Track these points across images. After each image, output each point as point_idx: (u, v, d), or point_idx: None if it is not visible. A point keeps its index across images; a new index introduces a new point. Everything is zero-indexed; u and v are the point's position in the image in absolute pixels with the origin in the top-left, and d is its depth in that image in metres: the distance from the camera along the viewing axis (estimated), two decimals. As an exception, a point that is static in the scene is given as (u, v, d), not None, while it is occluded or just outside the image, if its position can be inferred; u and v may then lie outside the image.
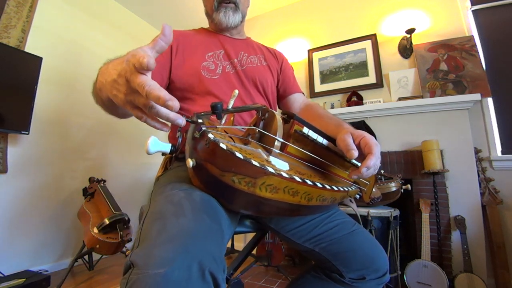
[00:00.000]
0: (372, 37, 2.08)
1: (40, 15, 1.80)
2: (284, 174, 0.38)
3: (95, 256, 1.74)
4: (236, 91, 0.57)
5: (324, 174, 0.53)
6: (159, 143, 0.44)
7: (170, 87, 0.77)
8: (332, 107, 2.09)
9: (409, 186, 1.45)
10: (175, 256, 0.33)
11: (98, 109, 0.60)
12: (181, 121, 0.36)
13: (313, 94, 2.25)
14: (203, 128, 0.41)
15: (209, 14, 0.85)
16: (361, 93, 2.02)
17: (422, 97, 1.77)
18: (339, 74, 2.18)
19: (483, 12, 1.82)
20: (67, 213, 1.87)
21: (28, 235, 1.67)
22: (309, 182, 0.40)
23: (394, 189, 1.38)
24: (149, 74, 0.34)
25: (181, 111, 0.76)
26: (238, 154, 0.36)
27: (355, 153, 0.47)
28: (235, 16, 0.81)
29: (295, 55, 2.37)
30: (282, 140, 0.47)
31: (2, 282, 1.29)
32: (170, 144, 0.46)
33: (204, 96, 0.74)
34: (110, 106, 0.53)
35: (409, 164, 1.72)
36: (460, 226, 1.49)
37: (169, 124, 0.38)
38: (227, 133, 0.49)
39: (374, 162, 0.47)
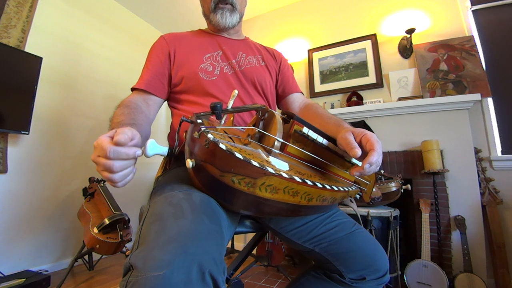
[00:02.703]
0: (372, 37, 2.08)
1: (40, 15, 1.79)
2: (284, 175, 0.38)
3: (95, 256, 1.75)
4: (236, 91, 0.57)
5: (324, 174, 0.53)
6: (157, 146, 0.44)
7: (171, 90, 0.78)
8: (332, 107, 2.09)
9: (409, 186, 1.45)
10: (174, 258, 0.33)
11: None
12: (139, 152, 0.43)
13: (313, 94, 2.25)
14: (203, 129, 0.41)
15: (206, 15, 0.85)
16: (361, 93, 2.02)
17: (422, 97, 1.77)
18: (339, 74, 2.18)
19: (483, 12, 1.82)
20: (67, 213, 1.87)
21: (28, 235, 1.67)
22: (309, 182, 0.40)
23: (394, 189, 1.38)
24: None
25: (181, 112, 0.76)
26: (237, 155, 0.36)
27: (359, 151, 0.47)
28: (233, 17, 0.81)
29: (295, 55, 2.37)
30: (282, 140, 0.46)
31: (2, 282, 1.29)
32: (167, 147, 0.46)
33: (204, 98, 0.74)
34: None
35: (409, 164, 1.72)
36: (460, 226, 1.49)
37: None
38: (226, 133, 0.49)
39: (376, 159, 0.46)
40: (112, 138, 0.40)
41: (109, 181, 0.41)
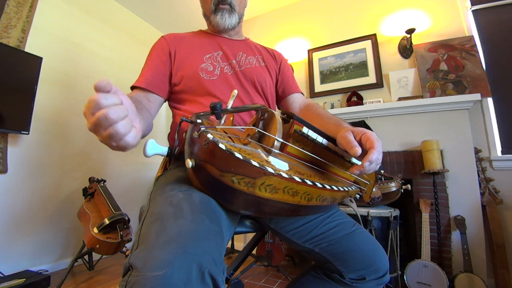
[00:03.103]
0: (372, 37, 2.08)
1: (40, 15, 1.79)
2: (284, 174, 0.38)
3: (95, 256, 1.75)
4: (236, 91, 0.57)
5: (324, 174, 0.53)
6: (156, 146, 0.44)
7: (171, 90, 0.78)
8: (332, 107, 2.09)
9: (409, 186, 1.45)
10: (174, 258, 0.33)
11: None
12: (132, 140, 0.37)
13: (313, 94, 2.25)
14: (202, 128, 0.41)
15: (207, 16, 0.85)
16: (361, 93, 2.02)
17: (422, 97, 1.77)
18: (339, 74, 2.18)
19: (483, 12, 1.82)
20: (67, 213, 1.87)
21: (28, 235, 1.67)
22: (308, 182, 0.40)
23: (394, 189, 1.38)
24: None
25: (181, 112, 0.76)
26: (237, 155, 0.36)
27: (359, 149, 0.47)
28: (232, 18, 0.82)
29: (295, 55, 2.37)
30: (281, 140, 0.46)
31: (2, 282, 1.29)
32: (167, 147, 0.46)
33: (204, 97, 0.74)
34: None
35: (409, 164, 1.72)
36: (460, 226, 1.49)
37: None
38: (226, 133, 0.49)
39: (376, 157, 0.46)
40: None
41: (115, 138, 0.35)
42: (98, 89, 0.34)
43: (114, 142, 0.36)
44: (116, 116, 0.34)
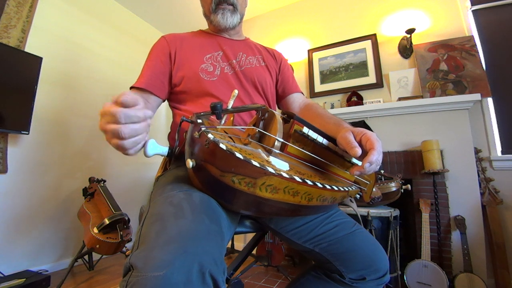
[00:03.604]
0: (372, 37, 2.08)
1: (40, 15, 1.79)
2: (284, 174, 0.38)
3: (95, 256, 1.75)
4: (236, 91, 0.57)
5: (324, 174, 0.53)
6: (157, 146, 0.44)
7: (171, 91, 0.78)
8: (332, 107, 2.09)
9: (409, 186, 1.45)
10: (175, 258, 0.33)
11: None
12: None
13: (313, 94, 2.25)
14: (203, 128, 0.41)
15: (207, 16, 0.85)
16: (361, 93, 2.02)
17: (422, 97, 1.77)
18: (339, 74, 2.18)
19: (483, 12, 1.82)
20: (67, 213, 1.87)
21: (28, 235, 1.67)
22: (309, 182, 0.40)
23: (394, 189, 1.38)
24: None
25: (181, 112, 0.76)
26: (238, 155, 0.36)
27: (359, 150, 0.46)
28: (233, 18, 0.81)
29: (295, 55, 2.37)
30: (282, 140, 0.46)
31: (2, 282, 1.29)
32: (167, 147, 0.46)
33: (204, 98, 0.74)
34: None
35: (409, 164, 1.72)
36: (460, 226, 1.49)
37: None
38: (226, 133, 0.49)
39: (376, 158, 0.46)
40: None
41: (120, 149, 0.40)
42: (124, 104, 0.36)
43: (116, 149, 0.40)
44: (128, 135, 0.38)
